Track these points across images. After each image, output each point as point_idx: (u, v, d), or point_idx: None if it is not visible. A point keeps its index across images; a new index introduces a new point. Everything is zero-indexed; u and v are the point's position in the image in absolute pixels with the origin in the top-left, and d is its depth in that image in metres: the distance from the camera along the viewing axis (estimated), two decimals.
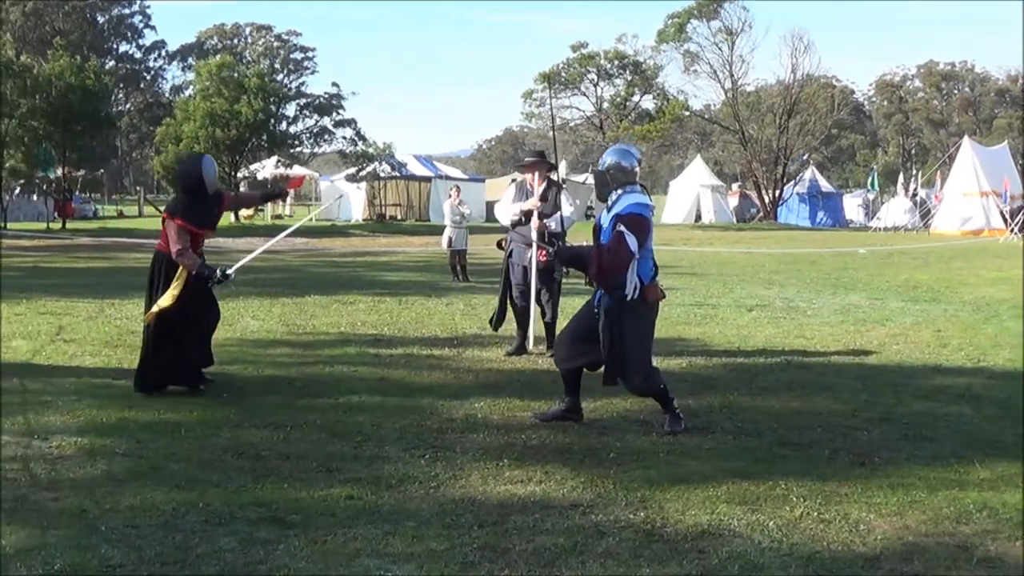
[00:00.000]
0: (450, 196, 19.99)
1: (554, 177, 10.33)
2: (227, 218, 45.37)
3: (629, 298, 7.02)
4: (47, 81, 38.73)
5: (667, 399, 7.17)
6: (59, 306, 13.66)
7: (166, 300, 7.87)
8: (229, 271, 8.16)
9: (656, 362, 9.93)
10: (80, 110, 38.59)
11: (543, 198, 9.99)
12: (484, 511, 5.32)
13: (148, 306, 8.07)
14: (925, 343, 11.20)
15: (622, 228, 6.98)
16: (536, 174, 10.16)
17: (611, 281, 7.04)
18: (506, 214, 10.27)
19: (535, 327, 10.21)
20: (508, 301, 10.33)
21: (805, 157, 60.98)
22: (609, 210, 7.23)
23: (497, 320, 10.47)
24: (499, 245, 10.29)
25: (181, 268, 7.90)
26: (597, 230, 7.39)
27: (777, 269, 22.47)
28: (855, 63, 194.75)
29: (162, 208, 8.18)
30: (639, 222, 7.03)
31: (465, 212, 19.38)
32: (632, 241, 6.95)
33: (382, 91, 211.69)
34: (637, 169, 7.38)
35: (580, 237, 12.44)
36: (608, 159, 7.33)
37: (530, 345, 10.21)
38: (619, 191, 7.20)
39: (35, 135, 38.56)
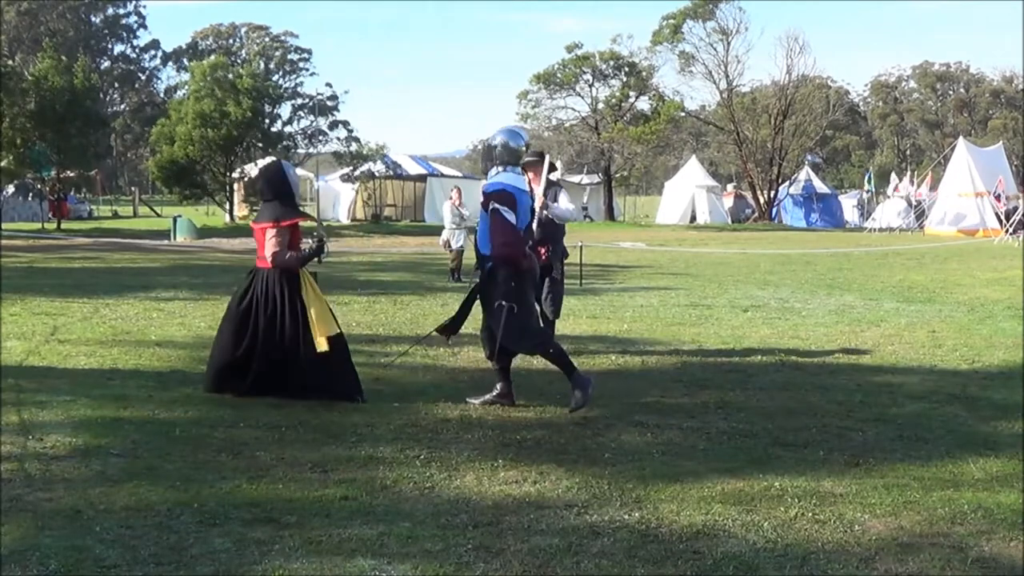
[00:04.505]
0: (451, 197, 19.99)
1: (553, 177, 10.29)
2: (221, 218, 45.45)
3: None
4: (36, 82, 38.66)
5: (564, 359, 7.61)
6: (54, 306, 13.65)
7: (324, 318, 7.81)
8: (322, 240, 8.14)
9: (651, 361, 10.01)
10: (70, 110, 38.51)
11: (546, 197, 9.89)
12: (479, 511, 5.32)
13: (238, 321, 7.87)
14: (920, 344, 11.21)
15: (495, 205, 7.50)
16: (535, 174, 10.05)
17: (511, 254, 7.51)
18: None
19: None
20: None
21: (810, 158, 61.00)
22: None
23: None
24: None
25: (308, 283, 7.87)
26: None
27: (772, 270, 22.49)
28: (850, 64, 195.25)
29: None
30: (506, 197, 7.53)
31: (465, 214, 19.40)
32: (510, 215, 7.48)
33: (377, 91, 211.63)
34: (522, 151, 7.94)
35: (576, 238, 12.43)
36: (498, 137, 7.84)
37: None
38: (498, 168, 7.72)
39: (27, 136, 38.49)
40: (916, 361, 10.14)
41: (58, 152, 39.17)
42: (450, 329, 8.13)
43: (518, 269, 7.53)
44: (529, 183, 10.08)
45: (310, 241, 8.11)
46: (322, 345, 7.68)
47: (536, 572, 4.54)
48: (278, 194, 8.03)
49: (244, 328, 7.83)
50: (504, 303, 7.49)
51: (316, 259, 8.03)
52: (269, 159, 46.18)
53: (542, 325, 10.17)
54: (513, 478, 5.92)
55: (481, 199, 7.74)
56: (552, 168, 10.43)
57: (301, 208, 8.33)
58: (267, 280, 7.85)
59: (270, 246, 7.80)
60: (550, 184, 10.10)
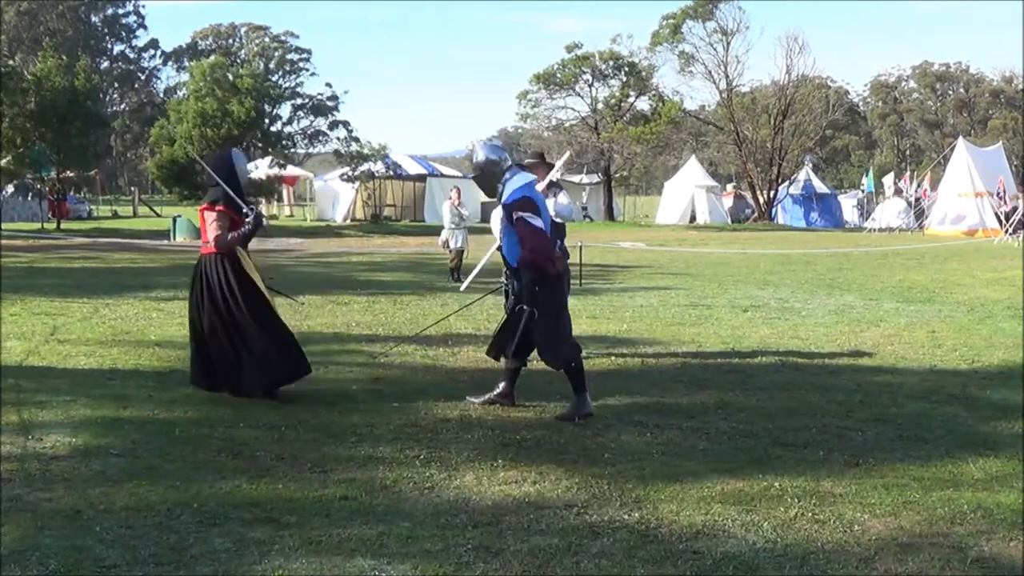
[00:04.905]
0: (450, 197, 19.98)
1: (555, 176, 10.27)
2: None
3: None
4: (37, 82, 38.63)
5: (581, 377, 7.52)
6: (54, 306, 13.65)
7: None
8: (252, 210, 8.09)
9: (651, 361, 10.01)
10: (70, 111, 38.49)
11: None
12: (479, 511, 5.33)
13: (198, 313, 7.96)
14: (920, 344, 11.21)
15: (519, 214, 7.38)
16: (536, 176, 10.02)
17: (539, 260, 7.39)
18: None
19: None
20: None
21: (808, 158, 60.97)
22: (500, 199, 7.66)
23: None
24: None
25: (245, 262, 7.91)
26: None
27: (772, 270, 22.49)
28: (850, 64, 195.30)
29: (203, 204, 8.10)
30: (527, 203, 7.44)
31: (464, 213, 19.38)
32: (536, 220, 7.38)
33: (377, 92, 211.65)
34: (507, 157, 7.84)
35: (575, 238, 12.42)
36: (479, 157, 7.80)
37: None
38: (505, 179, 7.62)
39: (27, 136, 38.47)
40: (916, 361, 10.14)
41: (58, 152, 39.15)
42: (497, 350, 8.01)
43: (546, 275, 7.47)
44: None
45: (249, 216, 7.96)
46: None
47: (536, 572, 4.54)
48: (225, 181, 7.99)
49: (201, 316, 7.89)
50: (526, 308, 7.47)
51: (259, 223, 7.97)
52: (269, 159, 46.26)
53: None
54: (513, 478, 5.92)
55: (501, 213, 7.66)
56: (549, 167, 10.39)
57: (251, 203, 8.19)
58: (211, 266, 7.89)
59: (211, 229, 7.86)
60: (551, 185, 10.08)
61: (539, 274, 7.43)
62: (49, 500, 5.39)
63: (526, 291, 7.48)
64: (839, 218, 56.08)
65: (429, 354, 10.16)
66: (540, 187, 9.90)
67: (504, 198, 7.58)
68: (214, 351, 7.89)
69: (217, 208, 7.90)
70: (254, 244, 8.37)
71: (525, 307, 7.47)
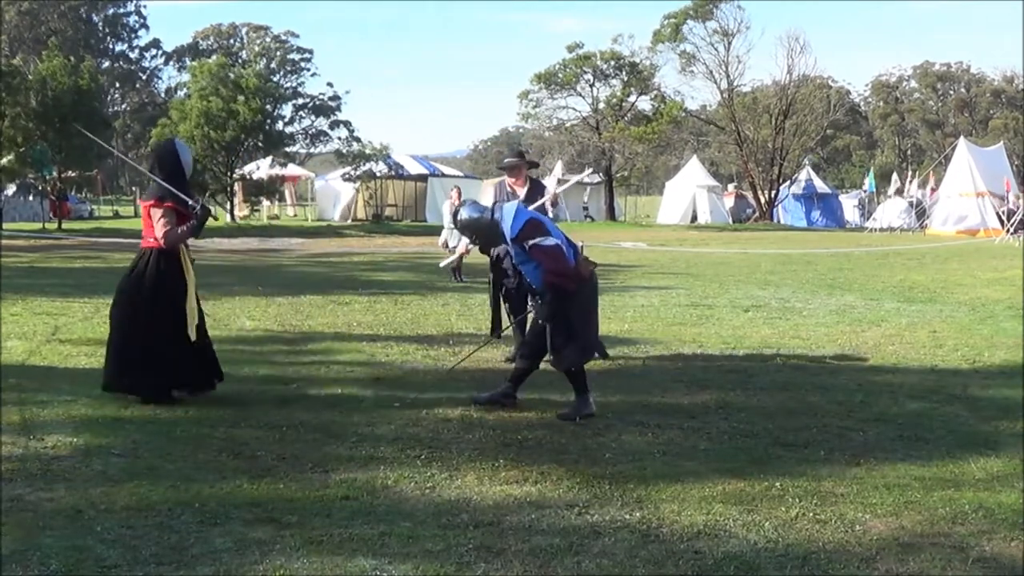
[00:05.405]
0: (450, 197, 19.96)
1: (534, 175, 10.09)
2: (222, 218, 45.42)
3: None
4: (40, 81, 38.64)
5: (582, 380, 7.55)
6: (55, 306, 13.65)
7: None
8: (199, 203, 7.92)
9: (652, 361, 10.01)
10: (74, 111, 38.50)
11: (530, 199, 9.35)
12: (480, 511, 5.32)
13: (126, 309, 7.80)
14: (921, 344, 11.21)
15: (530, 242, 7.38)
16: (517, 177, 9.79)
17: (562, 283, 7.40)
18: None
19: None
20: (499, 305, 10.19)
21: (808, 159, 60.98)
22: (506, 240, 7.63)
23: (494, 327, 10.47)
24: (483, 251, 10.01)
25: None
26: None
27: (773, 269, 22.48)
28: (851, 64, 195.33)
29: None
30: (533, 227, 7.44)
31: None
32: (548, 240, 7.38)
33: (378, 92, 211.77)
34: (486, 208, 7.77)
35: (577, 237, 12.38)
36: (464, 218, 7.73)
37: None
38: (497, 219, 7.57)
39: (28, 135, 38.50)
40: (917, 361, 10.14)
41: (59, 151, 39.17)
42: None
43: (568, 293, 7.46)
44: (511, 187, 9.88)
45: (196, 210, 7.81)
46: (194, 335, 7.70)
47: (537, 572, 4.54)
48: (169, 174, 7.80)
49: (133, 314, 7.72)
50: (547, 324, 7.49)
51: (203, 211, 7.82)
52: (271, 159, 46.29)
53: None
54: (514, 478, 5.92)
55: (513, 246, 7.61)
56: (533, 166, 10.28)
57: (199, 199, 8.03)
58: (153, 261, 7.75)
59: (159, 226, 7.66)
60: (535, 185, 9.83)
61: (563, 292, 7.42)
62: (50, 500, 5.39)
63: (549, 308, 7.48)
64: (840, 218, 56.07)
65: (430, 354, 10.16)
66: (522, 193, 9.67)
67: (508, 234, 7.50)
68: (119, 344, 7.70)
69: (165, 204, 7.67)
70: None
71: (546, 324, 7.48)
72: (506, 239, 7.58)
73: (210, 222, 8.35)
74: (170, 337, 7.65)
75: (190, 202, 7.74)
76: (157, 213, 7.69)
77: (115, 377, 7.74)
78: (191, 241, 8.03)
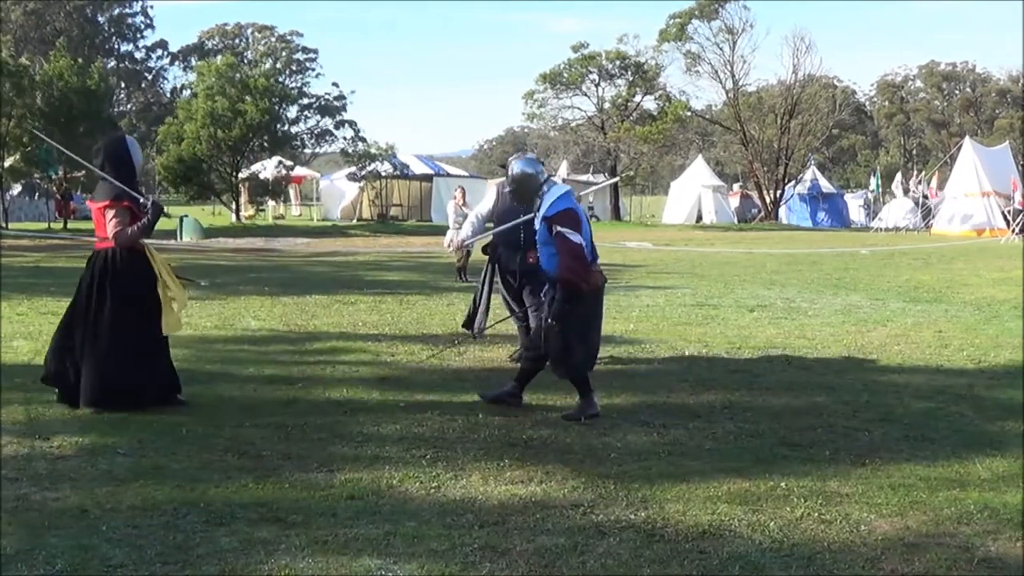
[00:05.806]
0: (454, 197, 19.94)
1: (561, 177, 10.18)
2: (227, 218, 45.48)
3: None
4: (47, 81, 38.69)
5: (586, 386, 7.56)
6: (60, 306, 13.56)
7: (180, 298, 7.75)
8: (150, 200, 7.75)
9: (657, 361, 10.01)
10: (81, 111, 38.56)
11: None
12: (485, 511, 5.33)
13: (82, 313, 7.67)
14: (926, 343, 11.19)
15: (559, 228, 7.36)
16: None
17: (573, 281, 7.37)
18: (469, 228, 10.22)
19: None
20: (478, 302, 10.07)
21: (812, 159, 60.92)
22: (538, 211, 7.61)
23: (468, 321, 10.25)
24: (484, 251, 10.01)
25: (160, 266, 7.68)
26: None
27: (778, 269, 22.46)
28: (856, 64, 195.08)
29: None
30: (569, 217, 7.43)
31: (468, 214, 19.34)
32: (575, 236, 7.36)
33: (382, 91, 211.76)
34: (543, 170, 7.83)
35: None
36: (516, 170, 7.78)
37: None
38: (543, 191, 7.61)
39: (34, 135, 38.58)
40: (922, 361, 10.12)
41: (63, 153, 39.21)
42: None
43: (579, 293, 7.44)
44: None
45: (147, 207, 7.63)
46: (169, 327, 7.60)
47: (542, 572, 4.54)
48: (118, 171, 7.63)
49: (86, 316, 7.58)
50: (552, 321, 7.48)
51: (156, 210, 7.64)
52: (276, 159, 46.32)
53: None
54: (519, 478, 5.92)
55: (541, 221, 7.58)
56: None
57: (149, 197, 7.88)
58: (110, 260, 7.62)
59: (112, 226, 7.51)
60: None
61: (572, 291, 7.40)
62: (56, 499, 5.40)
63: (556, 306, 7.45)
64: (845, 218, 56.00)
65: (435, 354, 10.16)
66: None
67: (544, 210, 7.50)
68: (64, 344, 7.58)
69: (122, 204, 7.52)
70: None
71: (552, 321, 7.47)
72: (539, 211, 7.59)
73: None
74: (127, 341, 7.47)
75: (142, 200, 7.61)
76: (111, 213, 7.53)
77: (52, 372, 7.64)
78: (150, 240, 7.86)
